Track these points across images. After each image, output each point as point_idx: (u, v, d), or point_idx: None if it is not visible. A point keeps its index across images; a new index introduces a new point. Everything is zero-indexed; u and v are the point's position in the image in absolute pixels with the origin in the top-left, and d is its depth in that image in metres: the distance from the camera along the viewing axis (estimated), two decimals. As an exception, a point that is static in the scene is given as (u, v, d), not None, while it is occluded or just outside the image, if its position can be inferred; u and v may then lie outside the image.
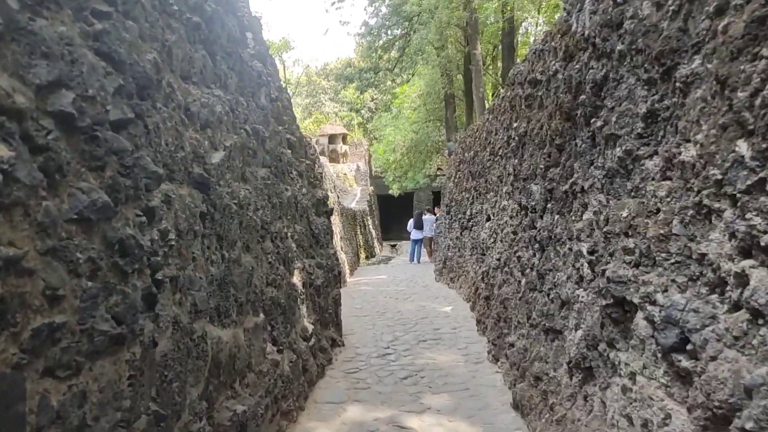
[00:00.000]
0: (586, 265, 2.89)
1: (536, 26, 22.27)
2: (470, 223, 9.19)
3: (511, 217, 5.54)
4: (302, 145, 5.51)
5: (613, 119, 2.58)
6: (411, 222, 18.07)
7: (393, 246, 31.18)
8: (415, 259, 18.02)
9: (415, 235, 17.94)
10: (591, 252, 2.78)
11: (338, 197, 14.67)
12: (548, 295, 3.61)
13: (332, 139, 33.99)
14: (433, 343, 5.52)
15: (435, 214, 18.11)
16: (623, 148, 2.47)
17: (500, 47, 23.57)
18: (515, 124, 5.53)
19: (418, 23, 14.10)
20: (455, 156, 11.64)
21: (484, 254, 7.73)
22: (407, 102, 26.35)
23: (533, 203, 4.44)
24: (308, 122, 55.13)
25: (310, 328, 4.41)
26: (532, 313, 3.97)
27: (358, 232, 19.66)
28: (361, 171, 32.83)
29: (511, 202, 5.74)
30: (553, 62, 4.01)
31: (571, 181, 3.34)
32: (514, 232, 5.12)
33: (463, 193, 10.19)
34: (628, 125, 2.46)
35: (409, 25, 14.99)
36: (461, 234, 9.93)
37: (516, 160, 5.44)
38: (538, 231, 4.13)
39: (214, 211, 2.73)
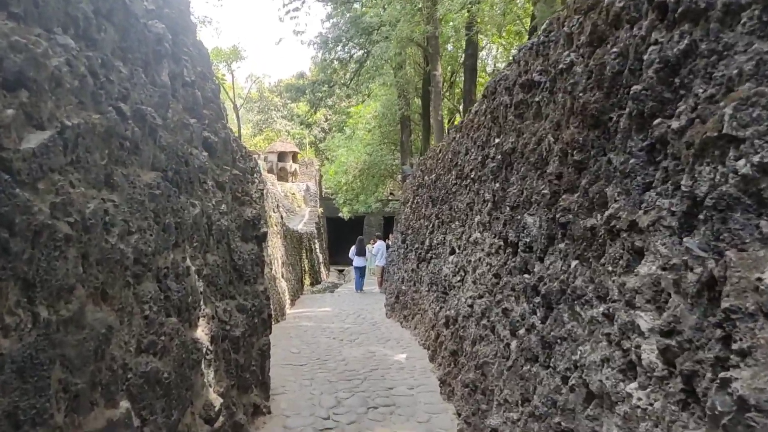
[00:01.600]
0: (649, 350, 1.80)
1: (497, 51, 21.96)
2: (429, 254, 8.11)
3: (489, 255, 4.47)
4: (229, 150, 4.27)
5: (728, 112, 1.52)
6: (353, 248, 17.02)
7: (341, 271, 29.84)
8: (361, 286, 16.96)
9: (357, 262, 16.99)
10: (667, 332, 1.70)
11: (282, 218, 13.33)
12: (564, 377, 2.50)
13: (282, 156, 32.57)
14: (386, 411, 4.31)
15: (386, 241, 17.02)
16: (755, 159, 1.41)
17: (461, 69, 23.13)
18: (497, 140, 4.51)
19: (378, 36, 13.19)
20: (413, 179, 10.62)
21: (446, 293, 6.63)
22: (362, 123, 25.45)
23: (527, 240, 3.38)
24: (258, 139, 53.47)
25: (218, 402, 3.12)
26: (532, 395, 2.85)
27: (304, 257, 18.28)
28: (311, 192, 31.50)
29: (487, 236, 4.68)
30: (566, 53, 3.00)
31: (607, 213, 2.27)
32: (497, 275, 4.03)
33: (422, 221, 9.14)
34: (762, 120, 1.42)
35: (367, 39, 14.07)
36: (418, 266, 8.83)
37: (497, 184, 4.40)
38: (539, 279, 3.05)
39: (9, 236, 1.47)
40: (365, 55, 15.39)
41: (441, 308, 6.78)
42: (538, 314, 2.97)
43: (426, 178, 9.14)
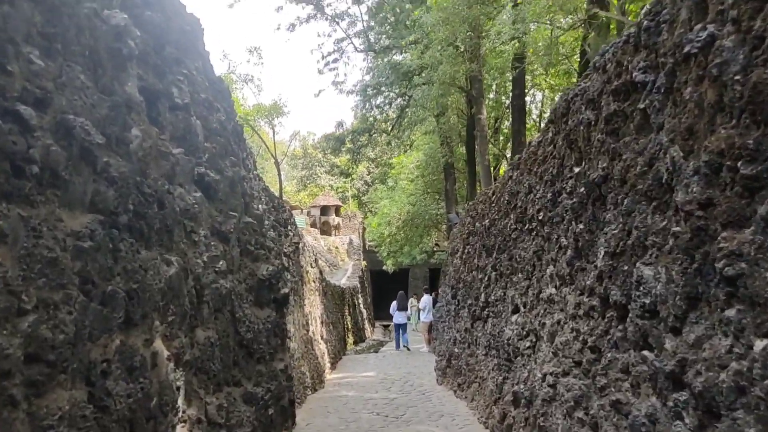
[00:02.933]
0: None
1: (542, 96, 21.12)
2: (486, 312, 7.00)
3: (575, 318, 3.40)
4: (238, 193, 3.45)
5: None
6: (394, 304, 16.16)
7: (386, 327, 28.54)
8: (401, 345, 15.95)
9: (398, 318, 16.10)
10: None
11: (322, 272, 12.48)
12: None
13: (325, 210, 32.25)
14: None
15: (433, 294, 15.87)
16: None
17: (507, 114, 22.35)
18: (576, 170, 3.53)
19: (419, 80, 12.59)
20: (462, 227, 9.63)
21: (510, 360, 5.50)
22: (404, 173, 24.84)
23: (646, 301, 2.33)
24: (303, 195, 53.97)
25: None
26: None
27: (347, 313, 17.29)
28: (354, 245, 30.81)
29: (568, 292, 3.63)
30: (698, 29, 2.05)
31: None
32: (594, 349, 2.95)
33: (474, 273, 8.07)
34: None
35: (407, 85, 13.49)
36: (472, 326, 7.70)
37: (580, 225, 3.39)
38: (680, 363, 1.99)
39: None
40: (406, 101, 14.80)
41: (505, 379, 5.62)
42: (688, 422, 1.89)
43: (477, 224, 8.13)
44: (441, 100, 12.84)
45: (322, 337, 10.20)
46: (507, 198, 6.22)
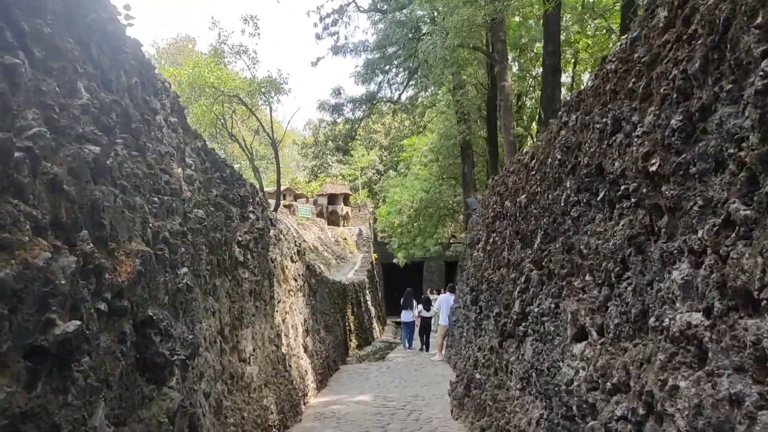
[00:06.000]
0: None
1: (573, 70, 18.70)
2: (522, 328, 4.82)
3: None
4: None
5: None
6: (403, 301, 15.58)
7: (398, 324, 26.46)
8: (407, 343, 15.47)
9: (404, 316, 15.45)
10: None
11: (309, 266, 10.34)
12: None
13: (332, 199, 30.15)
14: None
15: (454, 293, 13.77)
16: None
17: (531, 90, 19.95)
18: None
19: (433, 27, 10.39)
20: (485, 209, 7.42)
21: (572, 418, 3.32)
22: (416, 156, 22.58)
23: None
24: (314, 185, 52.16)
25: None
26: None
27: (349, 313, 15.18)
28: (364, 236, 28.70)
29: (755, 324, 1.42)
30: None
31: None
32: None
33: (503, 270, 5.88)
34: None
35: (416, 44, 11.24)
36: (501, 345, 5.51)
37: None
38: None
39: None
40: (415, 64, 12.45)
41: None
42: None
43: (507, 204, 5.92)
44: (455, 56, 10.56)
45: (305, 350, 8.07)
46: (559, 156, 4.00)
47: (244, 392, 5.07)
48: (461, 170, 19.11)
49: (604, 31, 13.92)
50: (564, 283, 3.75)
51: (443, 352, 12.34)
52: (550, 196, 4.22)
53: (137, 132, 3.15)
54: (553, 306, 3.93)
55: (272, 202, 21.33)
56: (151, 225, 2.94)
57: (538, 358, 4.19)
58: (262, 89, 17.80)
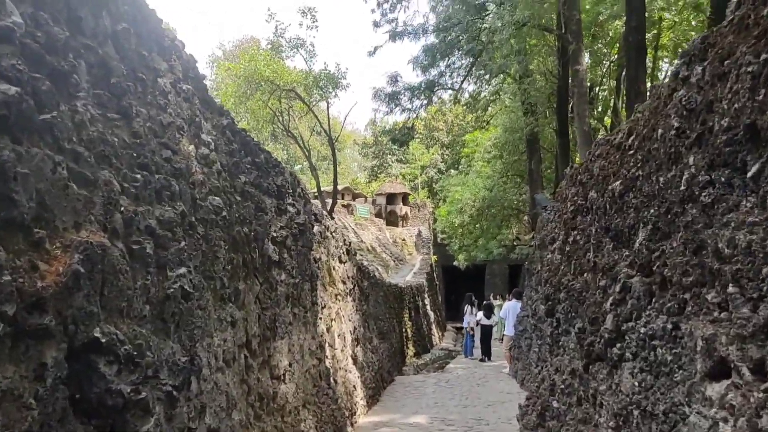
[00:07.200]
0: None
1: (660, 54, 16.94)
2: (616, 351, 3.78)
3: None
4: None
5: None
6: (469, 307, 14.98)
7: (459, 330, 25.31)
8: (468, 352, 14.65)
9: (466, 322, 14.89)
10: None
11: (361, 267, 9.55)
12: None
13: (391, 199, 29.43)
14: None
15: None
16: None
17: (603, 80, 18.45)
18: None
19: (495, 7, 9.36)
20: (562, 203, 6.35)
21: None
22: (479, 152, 21.43)
23: None
24: (375, 185, 51.87)
25: None
26: None
27: (406, 318, 14.31)
28: (423, 237, 27.77)
29: None
30: None
31: None
32: None
33: (588, 276, 4.82)
34: None
35: (479, 15, 10.21)
36: (586, 370, 4.46)
37: None
38: None
39: None
40: (479, 47, 11.42)
41: None
42: None
43: (593, 194, 4.86)
44: (522, 36, 9.46)
45: (354, 362, 7.28)
46: (676, 125, 2.96)
47: (276, 416, 4.32)
48: (527, 166, 17.86)
49: (691, 8, 12.36)
50: (688, 296, 2.72)
51: (512, 364, 11.24)
52: (660, 179, 3.18)
53: (119, 90, 2.43)
54: (670, 327, 2.90)
55: (330, 201, 20.84)
56: (123, 209, 2.21)
57: (645, 395, 3.16)
58: (320, 83, 17.30)
